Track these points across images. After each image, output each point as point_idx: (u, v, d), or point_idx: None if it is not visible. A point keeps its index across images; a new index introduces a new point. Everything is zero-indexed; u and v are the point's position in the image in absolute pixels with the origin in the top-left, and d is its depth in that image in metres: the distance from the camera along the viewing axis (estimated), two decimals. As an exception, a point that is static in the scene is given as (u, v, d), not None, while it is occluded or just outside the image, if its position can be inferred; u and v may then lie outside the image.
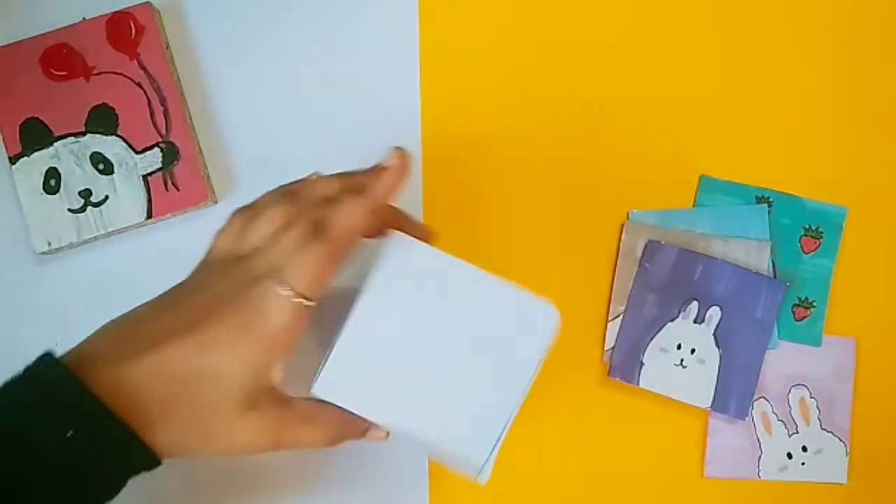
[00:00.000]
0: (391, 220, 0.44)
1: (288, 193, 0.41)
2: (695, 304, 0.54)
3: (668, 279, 0.54)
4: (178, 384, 0.37)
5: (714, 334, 0.54)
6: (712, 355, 0.54)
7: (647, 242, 0.54)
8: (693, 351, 0.54)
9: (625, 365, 0.54)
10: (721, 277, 0.54)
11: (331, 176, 0.43)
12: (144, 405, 0.36)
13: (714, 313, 0.54)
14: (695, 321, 0.54)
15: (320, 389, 0.40)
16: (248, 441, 0.38)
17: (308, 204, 0.40)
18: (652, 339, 0.54)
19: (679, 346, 0.54)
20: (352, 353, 0.40)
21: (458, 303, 0.40)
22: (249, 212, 0.41)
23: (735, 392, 0.54)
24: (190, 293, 0.39)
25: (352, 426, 0.41)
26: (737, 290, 0.54)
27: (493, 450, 0.40)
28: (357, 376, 0.40)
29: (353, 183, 0.41)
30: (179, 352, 0.37)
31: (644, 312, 0.54)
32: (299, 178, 0.43)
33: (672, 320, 0.54)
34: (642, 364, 0.54)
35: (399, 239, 0.41)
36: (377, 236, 0.42)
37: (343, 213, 0.39)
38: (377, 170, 0.41)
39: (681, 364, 0.54)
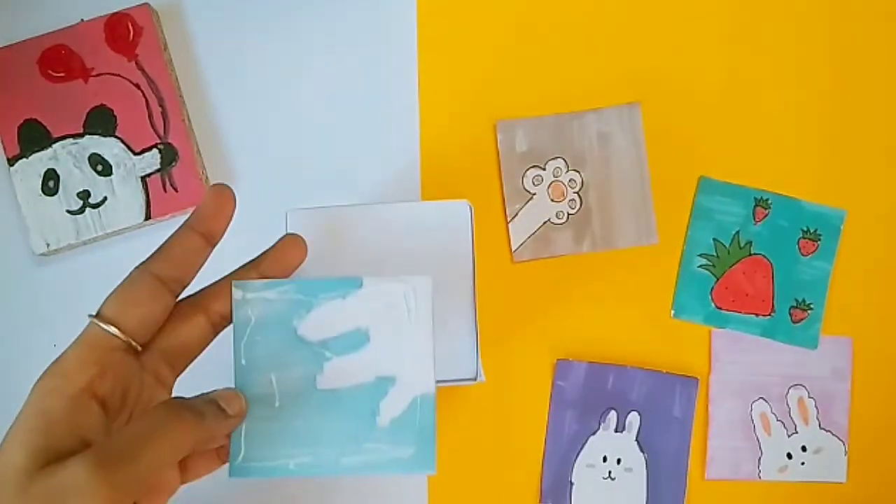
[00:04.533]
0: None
1: None
2: (613, 413, 0.54)
3: (583, 393, 0.54)
4: None
5: (637, 440, 0.54)
6: (638, 462, 0.54)
7: (557, 361, 0.54)
8: (619, 461, 0.54)
9: (555, 489, 0.54)
10: (633, 383, 0.54)
11: None
12: None
13: (633, 419, 0.54)
14: (615, 430, 0.54)
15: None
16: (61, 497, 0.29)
17: None
18: (577, 456, 0.54)
19: (605, 459, 0.54)
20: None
21: (378, 241, 0.40)
22: None
23: (667, 494, 0.54)
24: None
25: (208, 414, 0.33)
26: (651, 393, 0.54)
27: (476, 353, 0.40)
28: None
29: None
30: None
31: (565, 431, 0.54)
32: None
33: (593, 433, 0.54)
34: (572, 484, 0.54)
35: (296, 213, 0.41)
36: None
37: (167, 240, 0.36)
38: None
39: (609, 476, 0.54)
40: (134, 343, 0.34)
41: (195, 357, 0.36)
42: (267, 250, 0.37)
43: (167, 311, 0.35)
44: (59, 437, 0.31)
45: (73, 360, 0.33)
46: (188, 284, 0.36)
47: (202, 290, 0.37)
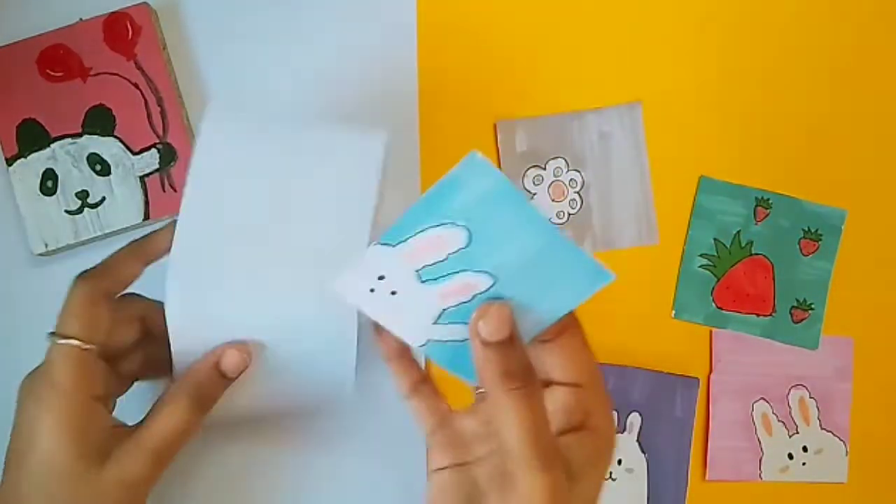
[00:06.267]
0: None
1: None
2: (614, 413, 0.54)
3: None
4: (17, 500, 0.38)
5: (638, 441, 0.54)
6: (639, 462, 0.54)
7: None
8: (620, 461, 0.54)
9: None
10: (634, 384, 0.54)
11: None
12: None
13: (634, 420, 0.54)
14: (617, 431, 0.54)
15: (174, 272, 0.38)
16: (131, 481, 0.39)
17: None
18: None
19: None
20: (195, 229, 0.38)
21: (288, 157, 0.39)
22: None
23: (668, 494, 0.54)
24: None
25: (201, 375, 0.40)
26: (652, 394, 0.54)
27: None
28: (206, 253, 0.38)
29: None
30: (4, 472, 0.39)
31: None
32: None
33: None
34: None
35: (215, 111, 0.40)
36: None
37: (109, 259, 0.42)
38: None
39: (610, 477, 0.54)
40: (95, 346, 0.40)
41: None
42: (148, 237, 0.42)
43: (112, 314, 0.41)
44: (92, 445, 0.38)
45: (68, 378, 0.39)
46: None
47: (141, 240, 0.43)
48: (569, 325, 0.35)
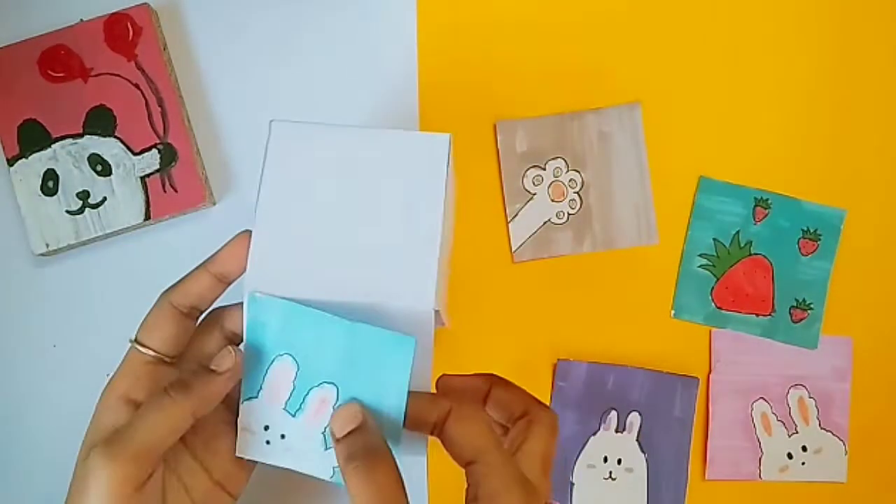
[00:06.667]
0: None
1: None
2: (613, 413, 0.54)
3: (583, 393, 0.54)
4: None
5: (637, 440, 0.54)
6: (639, 462, 0.54)
7: (557, 361, 0.54)
8: (620, 461, 0.54)
9: (555, 489, 0.54)
10: (634, 383, 0.54)
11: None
12: None
13: (634, 419, 0.54)
14: (616, 431, 0.54)
15: (251, 285, 0.38)
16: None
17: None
18: (578, 456, 0.54)
19: (605, 459, 0.54)
20: (269, 242, 0.39)
21: (353, 163, 0.40)
22: None
23: (668, 494, 0.54)
24: None
25: (195, 382, 0.38)
26: (652, 393, 0.54)
27: (434, 282, 0.38)
28: (282, 264, 0.38)
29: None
30: None
31: (565, 431, 0.53)
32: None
33: (594, 434, 0.54)
34: (572, 485, 0.54)
35: (281, 125, 0.41)
36: None
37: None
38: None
39: (610, 477, 0.54)
40: (163, 356, 0.39)
41: None
42: (218, 251, 0.40)
43: (188, 331, 0.40)
44: (99, 433, 0.37)
45: (116, 374, 0.39)
46: (205, 310, 0.41)
47: (219, 308, 0.41)
48: (449, 412, 0.37)
